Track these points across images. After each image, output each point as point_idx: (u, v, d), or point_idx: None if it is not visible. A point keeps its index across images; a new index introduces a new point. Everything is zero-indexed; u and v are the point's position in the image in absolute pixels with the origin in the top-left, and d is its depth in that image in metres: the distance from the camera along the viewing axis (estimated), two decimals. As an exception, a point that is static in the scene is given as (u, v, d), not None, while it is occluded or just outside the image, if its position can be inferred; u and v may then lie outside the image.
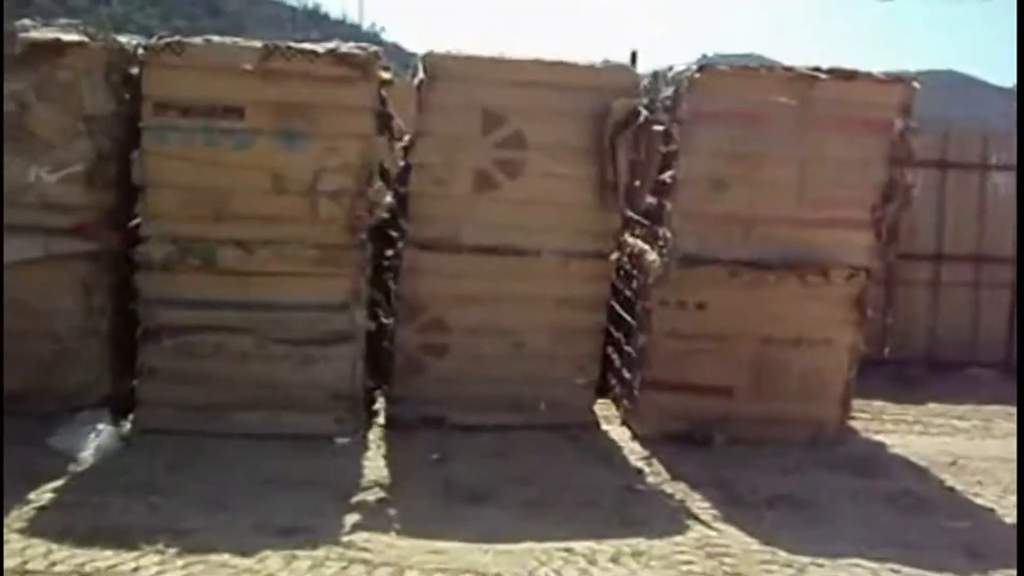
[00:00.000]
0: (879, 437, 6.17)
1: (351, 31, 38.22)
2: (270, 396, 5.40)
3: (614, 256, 6.02)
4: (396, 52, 24.04)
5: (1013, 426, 6.44)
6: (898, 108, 5.78)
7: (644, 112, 5.74)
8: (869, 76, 5.78)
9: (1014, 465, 5.41)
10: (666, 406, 5.78)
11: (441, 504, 4.58)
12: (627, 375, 6.09)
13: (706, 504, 4.77)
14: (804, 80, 5.70)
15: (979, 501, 5.11)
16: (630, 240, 6.26)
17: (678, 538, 4.32)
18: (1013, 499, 5.07)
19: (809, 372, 5.85)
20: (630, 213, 6.13)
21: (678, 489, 4.96)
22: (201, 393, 5.37)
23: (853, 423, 6.22)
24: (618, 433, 5.87)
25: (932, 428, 6.54)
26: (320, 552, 3.93)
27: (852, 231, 5.81)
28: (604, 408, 6.22)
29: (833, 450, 5.67)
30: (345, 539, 4.07)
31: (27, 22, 5.58)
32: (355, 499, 4.51)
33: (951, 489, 5.28)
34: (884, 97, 5.78)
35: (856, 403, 6.22)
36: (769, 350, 5.81)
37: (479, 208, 5.72)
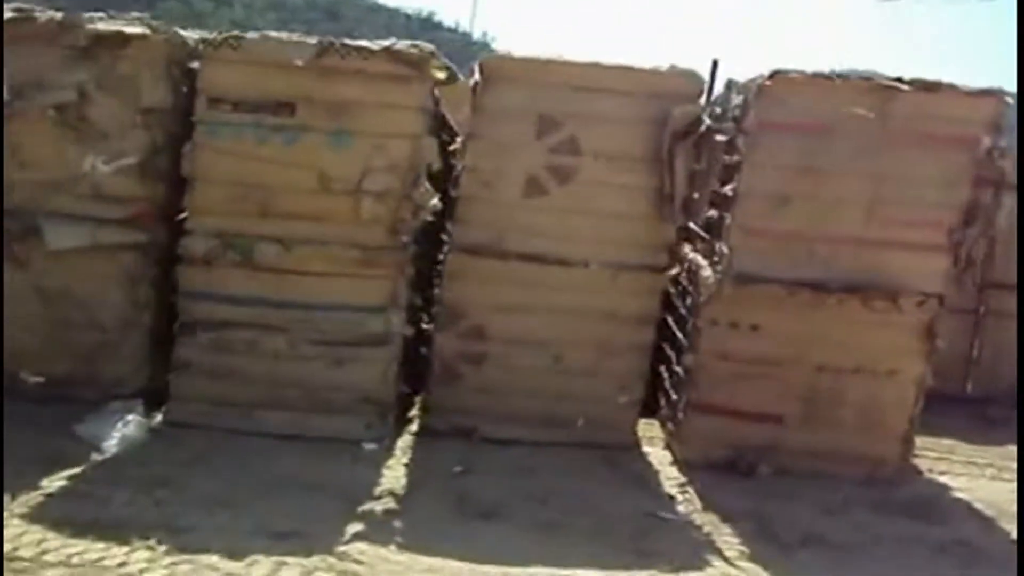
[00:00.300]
0: (944, 479, 5.69)
1: (462, 39, 38.47)
2: (300, 396, 5.31)
3: (672, 271, 5.75)
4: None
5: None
6: (986, 124, 5.34)
7: (706, 120, 5.47)
8: (954, 88, 5.35)
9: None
10: (711, 431, 5.47)
11: (451, 519, 4.39)
12: (674, 396, 5.80)
13: (735, 539, 4.46)
14: (882, 91, 5.31)
15: (1047, 558, 4.61)
16: (690, 255, 5.98)
17: (693, 574, 4.03)
18: (1087, 559, 4.57)
19: (868, 404, 5.44)
20: (692, 226, 5.85)
21: (708, 520, 4.66)
22: (232, 389, 5.31)
23: (918, 462, 5.77)
24: (659, 456, 5.57)
25: (1006, 473, 5.96)
26: (311, 561, 3.80)
27: (926, 255, 5.39)
28: (651, 429, 5.94)
29: (888, 490, 5.25)
30: (341, 549, 3.93)
31: (95, 14, 5.67)
32: (363, 508, 4.36)
33: (1016, 542, 4.80)
34: (970, 112, 5.35)
35: (924, 441, 5.77)
36: (825, 378, 5.43)
37: (527, 214, 5.51)
